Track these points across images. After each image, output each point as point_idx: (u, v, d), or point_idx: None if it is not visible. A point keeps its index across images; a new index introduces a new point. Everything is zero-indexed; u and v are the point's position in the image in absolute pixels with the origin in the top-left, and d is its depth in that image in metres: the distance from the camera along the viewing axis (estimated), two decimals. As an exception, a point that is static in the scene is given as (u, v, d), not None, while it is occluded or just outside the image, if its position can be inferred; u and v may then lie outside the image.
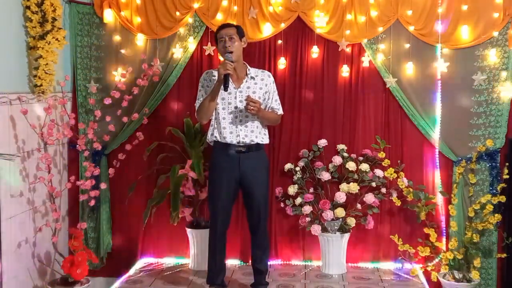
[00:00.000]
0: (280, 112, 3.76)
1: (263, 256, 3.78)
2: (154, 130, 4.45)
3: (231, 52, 3.48)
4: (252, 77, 3.62)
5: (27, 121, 3.74)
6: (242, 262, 4.45)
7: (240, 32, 3.60)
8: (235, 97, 3.58)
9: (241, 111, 3.57)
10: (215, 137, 3.62)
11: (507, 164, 4.09)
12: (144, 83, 4.32)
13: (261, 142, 3.65)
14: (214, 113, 3.61)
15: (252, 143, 3.59)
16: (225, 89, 3.43)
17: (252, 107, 3.43)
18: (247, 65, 3.68)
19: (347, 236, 4.25)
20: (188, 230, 4.34)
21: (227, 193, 3.62)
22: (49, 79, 3.91)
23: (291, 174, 4.36)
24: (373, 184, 4.27)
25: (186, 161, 4.27)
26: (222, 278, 3.82)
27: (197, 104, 3.65)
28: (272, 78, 3.71)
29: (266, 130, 3.73)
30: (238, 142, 3.57)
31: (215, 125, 3.63)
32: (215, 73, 3.58)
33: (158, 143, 4.32)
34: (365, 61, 4.30)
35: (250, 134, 3.59)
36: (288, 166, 4.35)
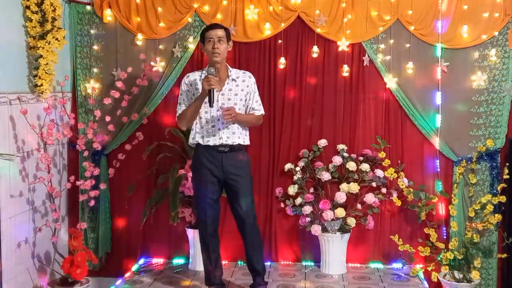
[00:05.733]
0: (261, 112, 3.75)
1: (259, 255, 3.76)
2: (154, 130, 4.45)
3: (218, 53, 3.48)
4: (233, 79, 3.62)
5: (26, 121, 3.73)
6: (241, 262, 4.44)
7: (228, 35, 3.61)
8: (217, 100, 3.58)
9: None
10: (197, 140, 3.63)
11: (507, 164, 4.09)
12: (144, 83, 4.32)
13: (242, 143, 3.65)
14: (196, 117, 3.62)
15: (234, 144, 3.60)
16: (210, 104, 3.45)
17: (228, 117, 3.45)
18: (228, 67, 3.67)
19: (347, 236, 4.25)
20: (188, 230, 4.34)
21: (212, 192, 3.63)
22: (49, 79, 3.91)
23: (291, 174, 4.36)
24: (373, 184, 4.26)
25: (186, 161, 4.27)
26: (220, 277, 3.82)
27: (179, 110, 3.65)
28: (253, 79, 3.70)
29: (247, 131, 3.73)
30: (221, 144, 3.58)
31: (198, 130, 3.62)
32: (196, 76, 3.60)
33: (158, 143, 4.32)
34: (365, 61, 4.30)
35: (232, 136, 3.60)
36: (288, 166, 4.35)
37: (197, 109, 3.54)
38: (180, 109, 3.65)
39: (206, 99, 3.52)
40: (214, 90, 3.46)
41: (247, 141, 3.70)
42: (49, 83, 3.94)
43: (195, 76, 3.64)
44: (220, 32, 3.53)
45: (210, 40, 3.52)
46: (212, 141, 3.58)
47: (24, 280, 3.84)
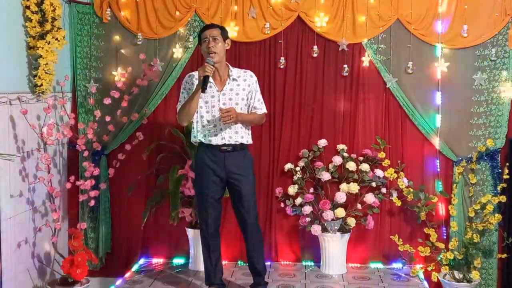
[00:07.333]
0: (263, 111, 3.73)
1: (259, 255, 3.75)
2: (154, 130, 4.45)
3: (214, 53, 3.48)
4: (234, 79, 3.61)
5: (26, 121, 3.73)
6: (241, 262, 4.44)
7: (224, 34, 3.59)
8: (218, 100, 3.57)
9: None
10: (199, 139, 3.62)
11: (507, 164, 4.09)
12: (144, 83, 4.32)
13: (245, 143, 3.65)
14: (197, 117, 3.61)
15: (237, 143, 3.60)
16: (203, 90, 3.42)
17: (227, 119, 3.43)
18: (229, 66, 3.66)
19: (347, 236, 4.25)
20: (188, 230, 4.34)
21: (214, 192, 3.62)
22: (48, 79, 3.91)
23: (291, 174, 4.36)
24: (373, 184, 4.26)
25: (186, 161, 4.27)
26: (220, 277, 3.82)
27: (178, 106, 3.65)
28: (254, 78, 3.69)
29: (250, 131, 3.72)
30: (224, 144, 3.57)
31: (199, 128, 3.62)
32: (197, 76, 3.60)
33: (158, 143, 4.32)
34: (365, 61, 4.30)
35: (235, 135, 3.59)
36: (288, 166, 4.35)
37: (195, 101, 3.51)
38: (180, 105, 3.65)
39: (206, 101, 3.53)
40: (208, 79, 3.42)
41: (250, 140, 3.70)
42: (49, 83, 3.94)
43: (197, 76, 3.63)
44: (215, 32, 3.53)
45: (205, 40, 3.52)
46: (214, 141, 3.58)
47: (24, 280, 3.84)
